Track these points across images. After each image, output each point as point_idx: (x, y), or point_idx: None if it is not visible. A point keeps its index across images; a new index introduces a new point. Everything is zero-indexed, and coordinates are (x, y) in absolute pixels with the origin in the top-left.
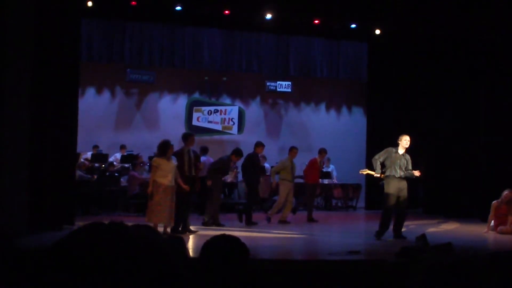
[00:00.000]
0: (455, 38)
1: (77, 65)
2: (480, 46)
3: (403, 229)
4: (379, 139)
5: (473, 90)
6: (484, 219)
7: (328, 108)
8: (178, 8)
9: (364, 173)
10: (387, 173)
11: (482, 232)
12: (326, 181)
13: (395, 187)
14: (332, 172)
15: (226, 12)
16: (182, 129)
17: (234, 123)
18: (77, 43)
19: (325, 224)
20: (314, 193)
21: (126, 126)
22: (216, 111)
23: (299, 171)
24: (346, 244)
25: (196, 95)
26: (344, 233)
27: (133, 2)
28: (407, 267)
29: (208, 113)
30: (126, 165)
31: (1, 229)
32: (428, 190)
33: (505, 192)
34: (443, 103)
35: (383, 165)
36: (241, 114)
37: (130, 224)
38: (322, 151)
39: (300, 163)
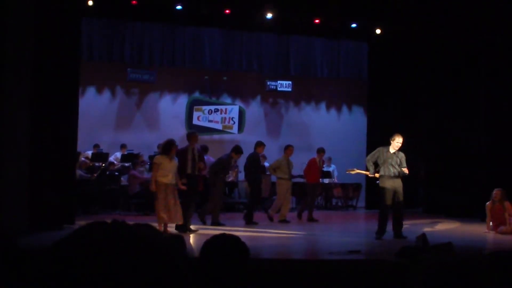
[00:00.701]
0: (455, 38)
1: (77, 64)
2: (480, 45)
3: (403, 228)
4: (380, 139)
5: (473, 89)
6: (484, 219)
7: (328, 108)
8: (179, 7)
9: (353, 172)
10: (381, 173)
11: (482, 231)
12: (326, 181)
13: (390, 186)
14: (333, 172)
15: (227, 11)
16: (182, 129)
17: (234, 123)
18: (77, 42)
19: (325, 224)
20: (314, 193)
21: (126, 125)
22: (216, 110)
23: (299, 170)
24: (346, 243)
25: (197, 95)
26: (344, 233)
27: (134, 2)
28: (407, 267)
29: (208, 112)
30: (127, 164)
31: (2, 228)
32: (428, 190)
33: (495, 191)
34: (443, 102)
35: (377, 165)
36: (241, 114)
37: (130, 223)
38: (320, 151)
39: (301, 162)
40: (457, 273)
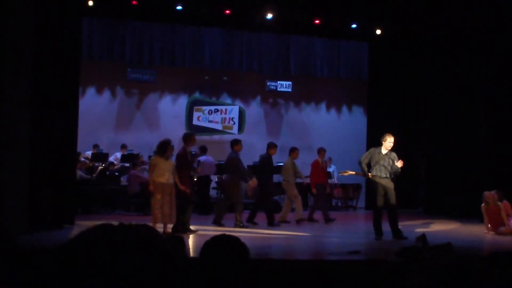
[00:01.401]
0: (456, 38)
1: (77, 64)
2: (481, 45)
3: (402, 229)
4: (379, 139)
5: (473, 89)
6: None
7: (328, 108)
8: (179, 7)
9: (346, 174)
10: (373, 173)
11: (482, 232)
12: None
13: (381, 187)
14: (333, 173)
15: (227, 11)
16: (182, 129)
17: (234, 123)
18: (77, 42)
19: (325, 224)
20: (324, 193)
21: (126, 125)
22: (216, 110)
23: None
24: (346, 244)
25: (197, 95)
26: (344, 233)
27: (134, 1)
28: (407, 267)
29: (208, 112)
30: (126, 165)
31: (2, 228)
32: (428, 190)
33: (486, 194)
34: (443, 102)
35: (370, 166)
36: (241, 114)
37: (130, 223)
38: (321, 150)
39: (301, 162)
40: (457, 273)
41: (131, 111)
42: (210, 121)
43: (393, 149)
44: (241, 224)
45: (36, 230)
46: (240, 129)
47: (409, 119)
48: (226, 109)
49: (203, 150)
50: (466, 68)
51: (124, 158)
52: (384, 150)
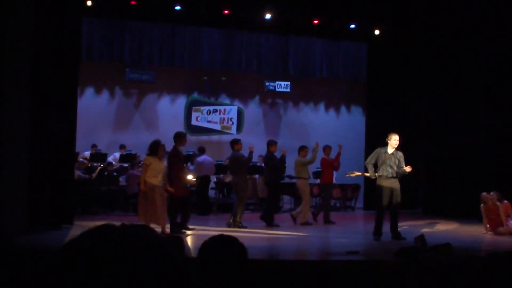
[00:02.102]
0: (454, 38)
1: (76, 64)
2: (480, 45)
3: (401, 229)
4: (378, 139)
5: (472, 89)
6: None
7: (327, 108)
8: (178, 7)
9: (353, 175)
10: (379, 173)
11: (481, 232)
12: None
13: (387, 187)
14: None
15: (226, 11)
16: (181, 129)
17: (233, 123)
18: (77, 42)
19: (324, 224)
20: (331, 193)
21: (125, 125)
22: (215, 111)
23: (291, 170)
24: (345, 244)
25: (195, 95)
26: (343, 234)
27: (133, 2)
28: (406, 268)
29: (207, 113)
30: (125, 165)
31: (1, 228)
32: (427, 191)
33: (483, 195)
34: (442, 103)
35: (377, 166)
36: (240, 114)
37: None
38: (327, 147)
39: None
40: (455, 274)
41: (129, 111)
42: (209, 121)
43: (398, 149)
44: (240, 224)
45: (35, 230)
46: (239, 129)
47: (408, 120)
48: (224, 109)
49: (202, 150)
50: (465, 69)
51: (122, 158)
52: (390, 150)
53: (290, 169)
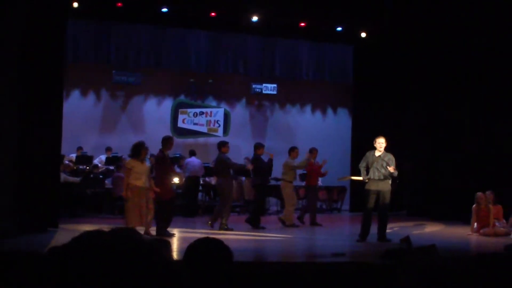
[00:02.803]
0: (441, 40)
1: (62, 66)
2: (466, 47)
3: (387, 231)
4: (364, 141)
5: (459, 92)
6: (467, 221)
7: (313, 110)
8: (164, 9)
9: (345, 179)
10: (369, 176)
11: (466, 234)
12: None
13: (374, 189)
14: None
15: (212, 14)
16: (167, 131)
17: (219, 125)
18: (62, 44)
19: (309, 226)
20: (316, 196)
21: (111, 128)
22: (201, 113)
23: (278, 173)
24: (330, 246)
25: (182, 97)
26: (329, 236)
27: (119, 4)
28: (392, 269)
29: (193, 115)
30: (111, 167)
31: None
32: (412, 193)
33: (478, 194)
34: (428, 105)
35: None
36: (226, 116)
37: (111, 227)
38: (313, 150)
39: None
40: (441, 274)
41: (116, 114)
42: (195, 124)
43: (387, 150)
44: (226, 227)
45: (20, 233)
46: (225, 131)
47: (393, 122)
48: (211, 112)
49: (192, 153)
50: (451, 70)
51: (108, 161)
52: (377, 153)
53: (276, 173)
